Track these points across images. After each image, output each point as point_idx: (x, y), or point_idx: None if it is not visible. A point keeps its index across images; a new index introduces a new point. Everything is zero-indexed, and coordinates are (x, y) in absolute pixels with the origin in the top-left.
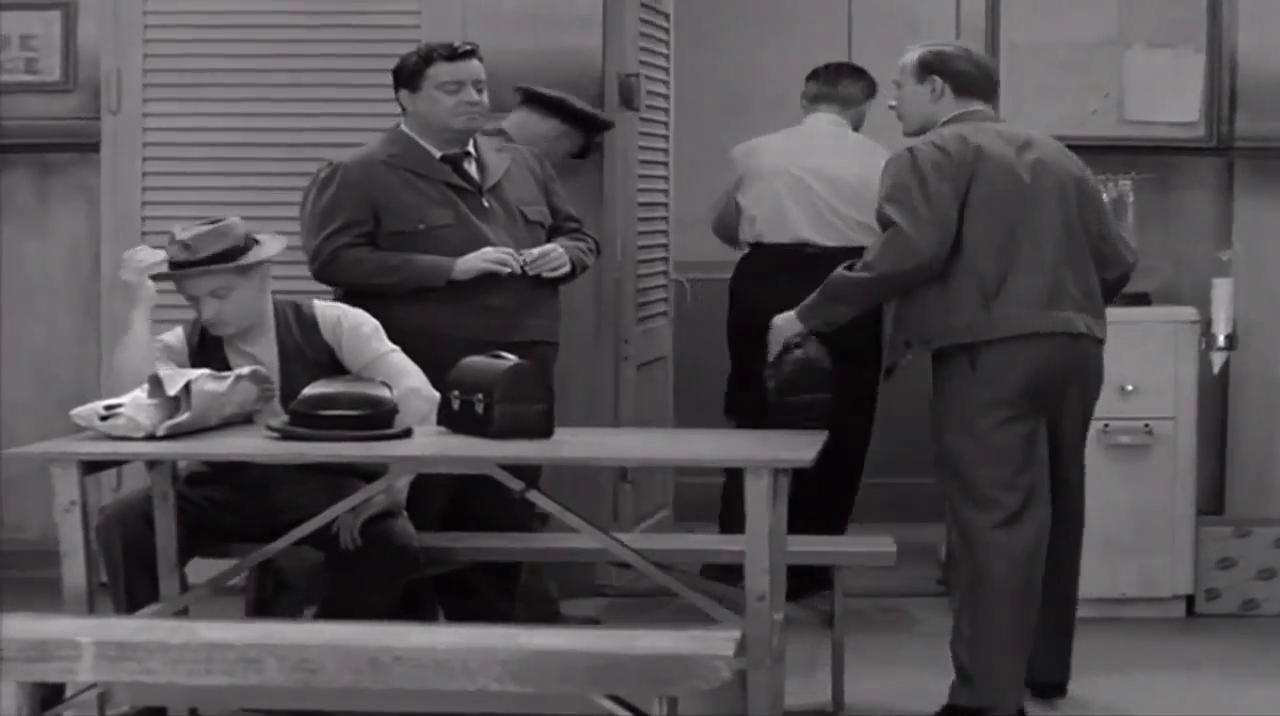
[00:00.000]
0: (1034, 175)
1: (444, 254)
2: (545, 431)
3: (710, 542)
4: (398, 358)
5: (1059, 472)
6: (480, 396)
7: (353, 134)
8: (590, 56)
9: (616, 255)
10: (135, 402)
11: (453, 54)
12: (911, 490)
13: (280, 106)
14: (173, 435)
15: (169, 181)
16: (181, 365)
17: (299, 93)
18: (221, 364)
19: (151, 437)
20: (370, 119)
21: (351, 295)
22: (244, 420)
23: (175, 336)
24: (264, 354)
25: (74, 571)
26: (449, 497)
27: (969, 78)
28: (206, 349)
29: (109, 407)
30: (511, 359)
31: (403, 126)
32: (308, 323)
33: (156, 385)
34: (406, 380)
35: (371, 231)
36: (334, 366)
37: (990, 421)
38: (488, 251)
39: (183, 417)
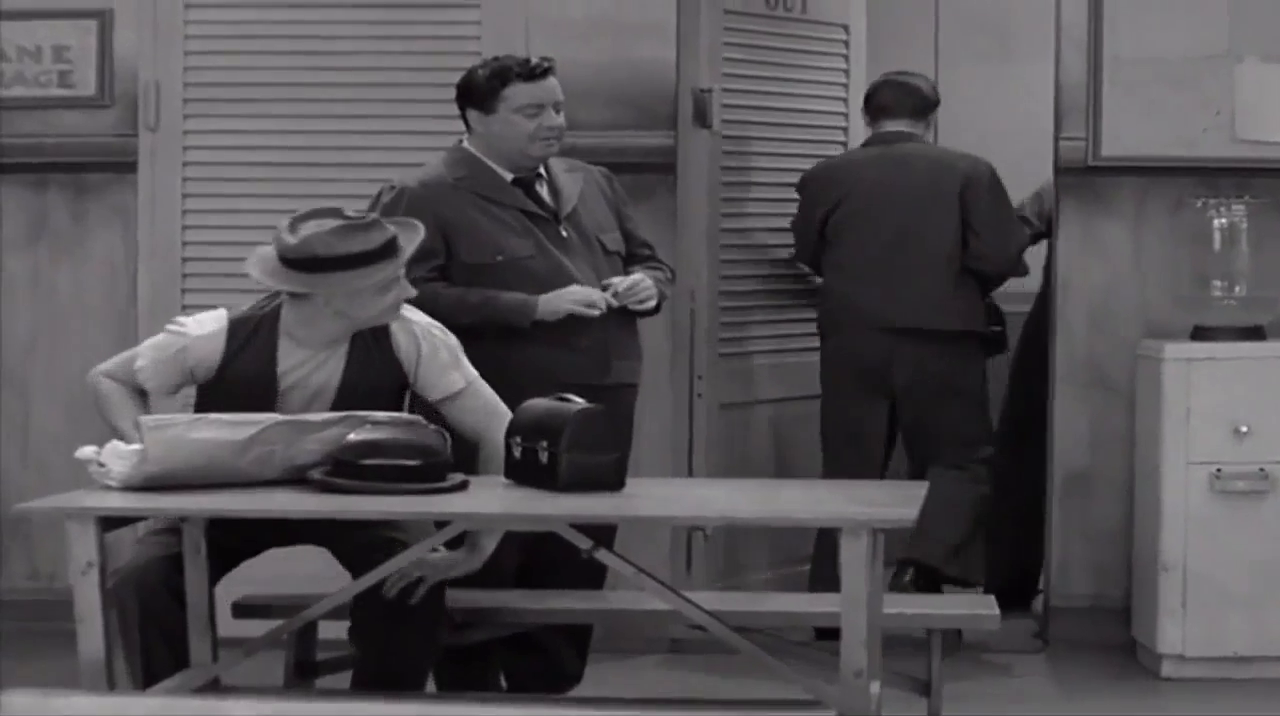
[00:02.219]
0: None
1: (525, 288)
2: (616, 483)
3: (797, 603)
4: (481, 392)
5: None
6: (544, 444)
7: (409, 153)
8: (663, 68)
9: (690, 284)
10: (113, 450)
11: (531, 73)
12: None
13: (331, 123)
14: (163, 486)
15: (210, 203)
16: (207, 364)
17: (351, 108)
18: (268, 355)
19: (130, 489)
20: (429, 137)
21: None
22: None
23: (212, 325)
24: (329, 365)
25: (91, 640)
26: (523, 551)
27: (880, 104)
28: (259, 337)
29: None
30: (579, 402)
31: (466, 144)
32: (381, 336)
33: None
34: (497, 421)
35: (444, 264)
36: (399, 394)
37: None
38: (575, 290)
39: (150, 468)
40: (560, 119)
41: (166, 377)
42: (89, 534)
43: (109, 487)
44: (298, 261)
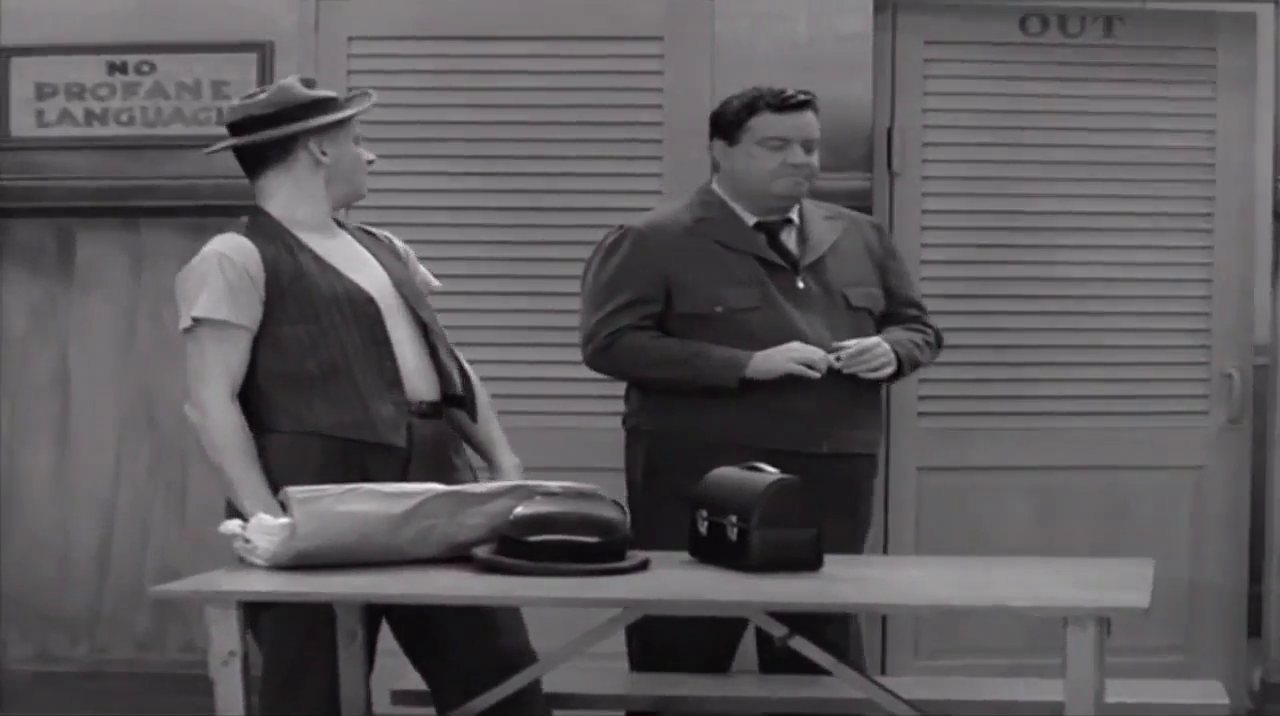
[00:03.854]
0: None
1: (742, 341)
2: (814, 562)
3: (1011, 690)
4: None
5: None
6: (734, 518)
7: (584, 196)
8: (859, 107)
9: None
10: (260, 525)
11: (783, 103)
12: None
13: (499, 164)
14: (314, 564)
15: None
16: (254, 272)
17: (518, 148)
18: (296, 243)
19: (279, 568)
20: (607, 179)
21: (634, 386)
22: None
23: (243, 255)
24: (343, 245)
25: None
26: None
27: None
28: (272, 235)
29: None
30: (772, 472)
31: (714, 185)
32: (361, 229)
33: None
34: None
35: (660, 312)
36: None
37: None
38: (794, 347)
39: (300, 545)
40: (811, 158)
41: (246, 296)
42: (230, 620)
43: (255, 566)
44: (269, 116)
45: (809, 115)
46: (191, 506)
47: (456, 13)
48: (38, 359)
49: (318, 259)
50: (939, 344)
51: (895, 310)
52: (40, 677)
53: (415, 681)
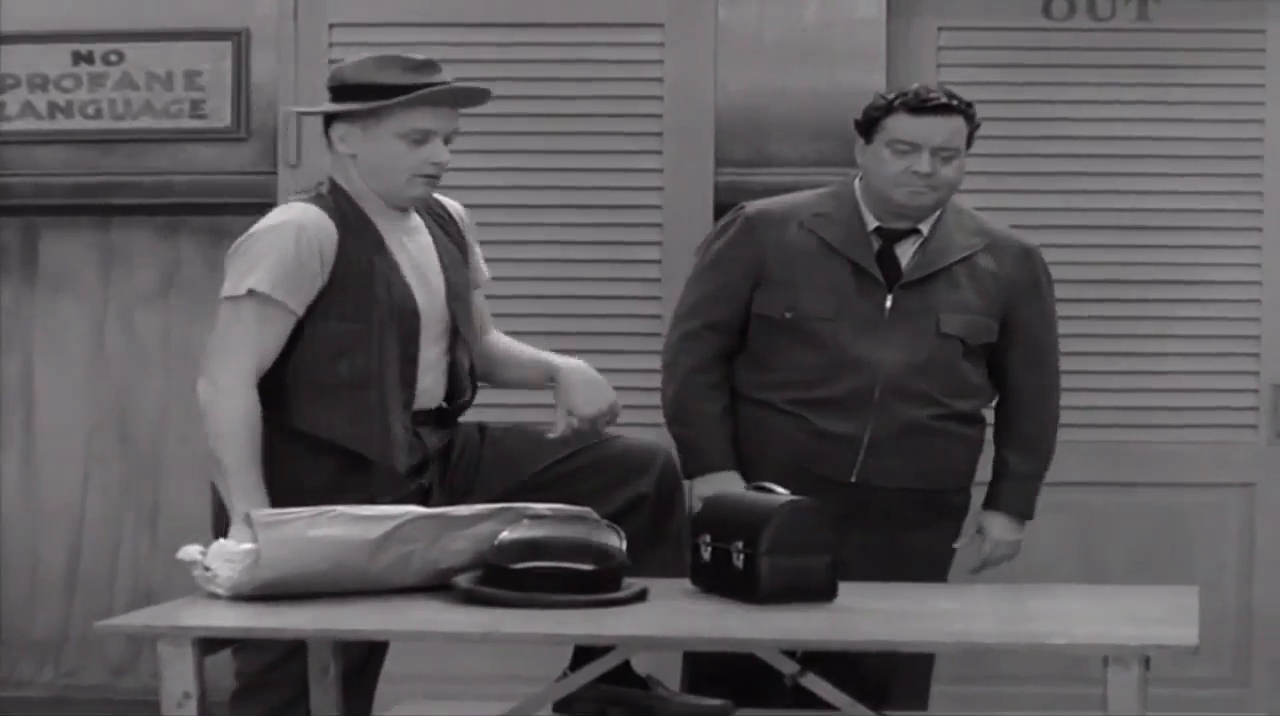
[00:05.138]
0: None
1: (813, 351)
2: (827, 592)
3: None
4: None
5: None
6: (740, 544)
7: (581, 193)
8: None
9: None
10: (221, 551)
11: (919, 105)
12: None
13: (492, 159)
14: (281, 594)
15: None
16: (329, 249)
17: (518, 142)
18: (365, 221)
19: (242, 598)
20: (604, 174)
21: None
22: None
23: (320, 232)
24: (414, 238)
25: None
26: None
27: None
28: (351, 227)
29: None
30: (783, 493)
31: (856, 182)
32: (437, 203)
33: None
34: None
35: (742, 318)
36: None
37: None
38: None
39: (264, 574)
40: (943, 168)
41: (309, 281)
42: (186, 659)
43: (216, 595)
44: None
45: (949, 121)
46: (164, 522)
47: None
48: (1, 366)
49: (385, 253)
50: (1044, 414)
51: (1010, 351)
52: (3, 704)
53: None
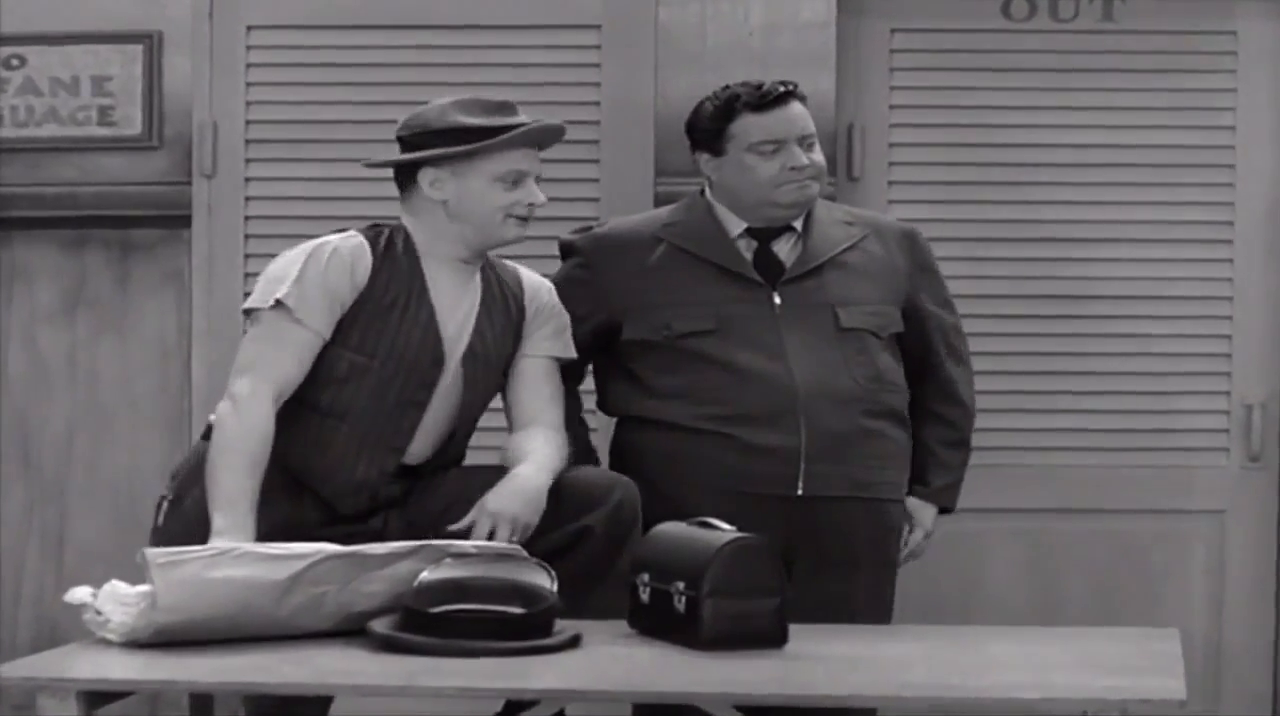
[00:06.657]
0: None
1: (699, 369)
2: (777, 637)
3: None
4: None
5: None
6: (681, 585)
7: None
8: (822, 105)
9: None
10: (112, 593)
11: (762, 101)
12: None
13: None
14: (180, 640)
15: None
16: (356, 281)
17: None
18: (412, 268)
19: (137, 645)
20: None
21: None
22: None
23: (353, 256)
24: (466, 294)
25: None
26: None
27: None
28: (396, 265)
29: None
30: (728, 530)
31: (708, 194)
32: (510, 273)
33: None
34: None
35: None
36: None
37: None
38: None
39: (161, 618)
40: (814, 155)
41: (334, 301)
42: (69, 713)
43: (108, 641)
44: (402, 140)
45: (797, 107)
46: (70, 553)
47: None
48: None
49: (425, 299)
50: (968, 400)
51: (920, 339)
52: None
53: None
